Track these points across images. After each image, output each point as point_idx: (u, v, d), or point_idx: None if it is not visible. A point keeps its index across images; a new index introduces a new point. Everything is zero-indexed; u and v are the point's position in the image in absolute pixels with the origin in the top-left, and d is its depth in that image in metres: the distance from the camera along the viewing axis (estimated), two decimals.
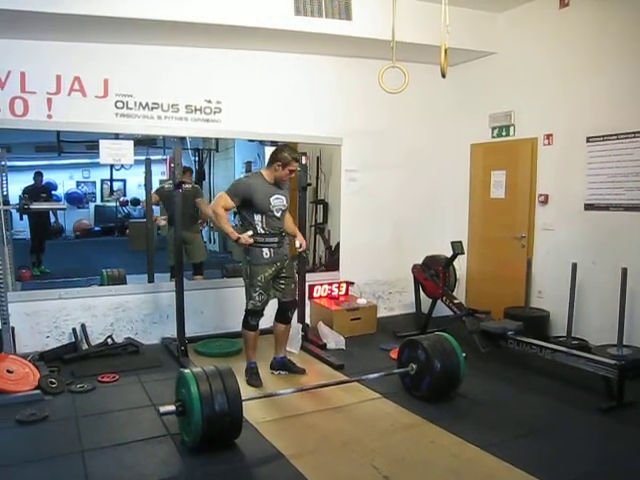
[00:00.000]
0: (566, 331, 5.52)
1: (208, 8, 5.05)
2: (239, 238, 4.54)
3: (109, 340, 5.46)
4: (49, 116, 5.23)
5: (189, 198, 6.62)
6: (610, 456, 3.48)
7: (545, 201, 6.08)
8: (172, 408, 3.49)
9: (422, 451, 3.51)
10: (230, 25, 5.17)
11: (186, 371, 3.54)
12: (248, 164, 7.77)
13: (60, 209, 9.85)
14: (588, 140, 5.57)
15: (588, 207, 5.62)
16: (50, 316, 5.39)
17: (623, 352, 4.92)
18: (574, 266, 5.50)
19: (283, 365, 4.96)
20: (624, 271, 4.99)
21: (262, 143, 6.75)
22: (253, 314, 4.70)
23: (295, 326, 5.64)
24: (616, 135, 5.32)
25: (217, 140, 9.06)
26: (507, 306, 6.10)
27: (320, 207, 7.37)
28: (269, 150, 5.76)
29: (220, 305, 6.08)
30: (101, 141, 5.12)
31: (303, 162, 5.61)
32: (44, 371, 4.57)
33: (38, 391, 4.28)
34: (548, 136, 6.02)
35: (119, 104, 5.50)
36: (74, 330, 5.39)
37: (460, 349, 4.33)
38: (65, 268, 8.36)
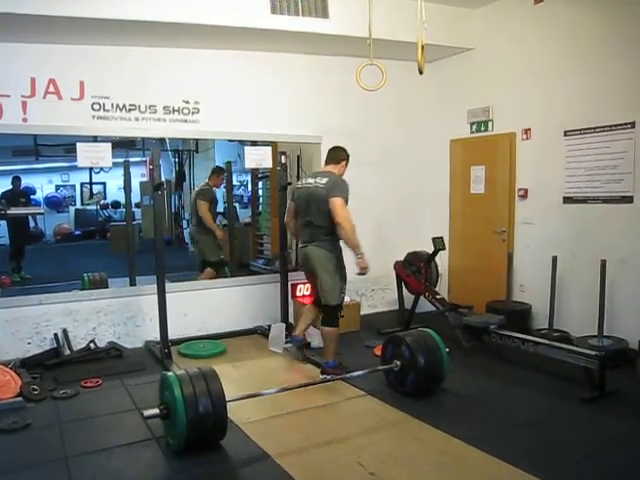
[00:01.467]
0: (548, 323, 5.57)
1: (183, 8, 5.02)
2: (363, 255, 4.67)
3: (91, 345, 5.40)
4: (24, 119, 5.16)
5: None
6: (594, 446, 3.51)
7: (524, 195, 6.13)
8: (156, 411, 3.47)
9: (408, 447, 3.53)
10: (206, 24, 5.15)
11: (169, 374, 3.52)
12: (228, 164, 7.73)
13: (37, 214, 9.75)
14: (565, 134, 5.63)
15: (567, 200, 5.67)
16: (31, 322, 5.32)
17: (604, 343, 4.98)
18: (554, 259, 5.55)
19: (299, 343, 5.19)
20: (603, 263, 5.05)
21: (242, 143, 6.73)
22: (341, 308, 4.81)
23: (278, 325, 5.65)
24: (593, 128, 5.37)
25: (197, 141, 9.02)
26: (489, 300, 6.15)
27: None
28: (249, 150, 5.75)
29: (203, 307, 6.06)
30: (78, 144, 5.07)
31: (283, 161, 5.61)
32: (26, 378, 4.52)
33: (20, 398, 4.22)
34: (526, 130, 6.08)
35: (96, 106, 5.46)
36: (56, 336, 5.33)
37: (443, 344, 4.35)
38: (46, 273, 8.27)
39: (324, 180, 4.72)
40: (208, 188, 7.41)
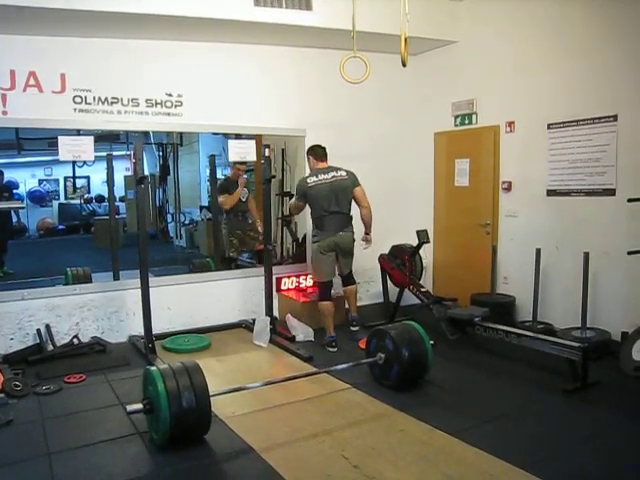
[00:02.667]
0: (532, 315, 5.61)
1: (166, 0, 4.97)
2: None
3: (75, 340, 5.36)
4: (4, 112, 5.09)
5: None
6: (577, 436, 3.55)
7: (508, 188, 6.16)
8: (139, 406, 3.45)
9: (392, 440, 3.54)
10: (188, 17, 5.10)
11: (152, 368, 3.51)
12: (212, 157, 7.70)
13: (18, 208, 9.63)
14: (549, 127, 5.65)
15: (550, 193, 5.70)
16: (13, 318, 5.27)
17: (587, 334, 5.02)
18: (538, 251, 5.58)
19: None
20: (586, 255, 5.09)
21: (226, 136, 6.69)
22: None
23: (263, 319, 5.64)
24: (576, 121, 5.40)
25: (181, 134, 8.96)
26: (474, 293, 6.17)
27: (286, 199, 7.33)
28: (233, 143, 5.72)
29: (188, 301, 6.04)
30: (60, 137, 5.00)
31: (266, 154, 5.59)
32: (8, 374, 4.49)
33: (2, 395, 4.18)
34: (510, 123, 6.09)
35: (77, 99, 5.40)
36: (38, 331, 5.29)
37: (427, 337, 4.36)
38: (29, 268, 8.18)
39: (343, 173, 5.50)
40: (223, 182, 7.79)
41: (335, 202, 5.40)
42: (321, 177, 5.43)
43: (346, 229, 5.52)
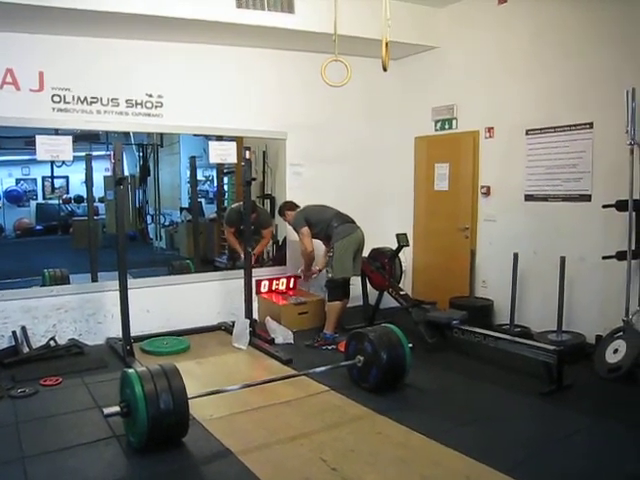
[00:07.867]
0: (509, 319, 5.66)
1: None
2: None
3: (52, 342, 5.30)
4: None
5: None
6: (552, 437, 3.59)
7: (487, 193, 6.22)
8: (116, 409, 3.42)
9: (370, 442, 3.55)
10: (170, 17, 5.08)
11: (130, 371, 3.48)
12: (192, 159, 7.66)
13: None
14: (527, 133, 5.73)
15: (528, 198, 5.77)
16: None
17: (562, 338, 5.09)
18: (516, 256, 5.64)
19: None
20: (562, 260, 5.16)
21: (207, 138, 6.67)
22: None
23: (242, 322, 5.63)
24: (553, 128, 5.48)
25: (161, 135, 8.92)
26: (452, 296, 6.22)
27: (267, 202, 7.34)
28: (214, 145, 5.69)
29: (167, 303, 6.00)
30: (37, 137, 4.93)
31: (247, 157, 5.58)
32: None
33: None
34: (489, 129, 6.16)
35: (56, 98, 5.34)
36: (14, 333, 5.22)
37: (406, 340, 4.38)
38: (4, 269, 8.05)
39: None
40: None
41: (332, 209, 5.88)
42: (315, 204, 6.04)
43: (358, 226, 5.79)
